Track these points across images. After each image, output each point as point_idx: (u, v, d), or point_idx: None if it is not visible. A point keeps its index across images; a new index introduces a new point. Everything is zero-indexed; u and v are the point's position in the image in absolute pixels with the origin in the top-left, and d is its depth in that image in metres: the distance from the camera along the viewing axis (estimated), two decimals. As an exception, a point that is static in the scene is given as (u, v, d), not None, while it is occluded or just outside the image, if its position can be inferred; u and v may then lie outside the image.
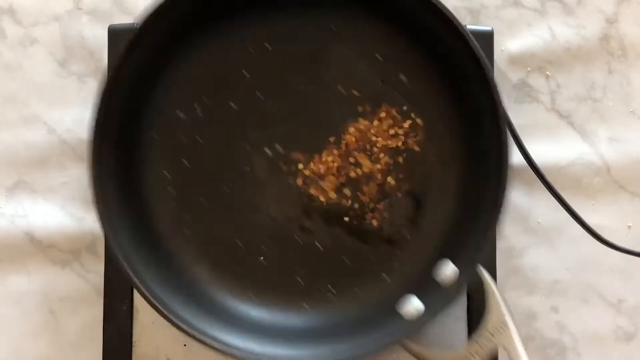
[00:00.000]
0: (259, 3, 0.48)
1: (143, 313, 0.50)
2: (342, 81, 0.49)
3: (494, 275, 0.50)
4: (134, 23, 0.51)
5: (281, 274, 0.49)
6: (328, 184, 0.49)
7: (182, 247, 0.49)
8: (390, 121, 0.49)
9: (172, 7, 0.44)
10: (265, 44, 0.49)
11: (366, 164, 0.49)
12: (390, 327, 0.45)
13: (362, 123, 0.49)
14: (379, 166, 0.49)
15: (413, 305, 0.46)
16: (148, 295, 0.44)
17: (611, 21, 0.55)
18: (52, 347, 0.54)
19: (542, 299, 0.54)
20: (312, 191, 0.49)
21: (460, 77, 0.46)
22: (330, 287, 0.48)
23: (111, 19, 0.55)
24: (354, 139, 0.49)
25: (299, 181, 0.49)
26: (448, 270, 0.46)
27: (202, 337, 0.43)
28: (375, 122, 0.49)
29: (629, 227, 0.54)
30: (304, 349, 0.46)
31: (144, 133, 0.48)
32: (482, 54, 0.43)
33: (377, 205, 0.49)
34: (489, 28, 0.52)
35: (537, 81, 0.55)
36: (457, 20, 0.43)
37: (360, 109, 0.49)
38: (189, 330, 0.43)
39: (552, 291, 0.54)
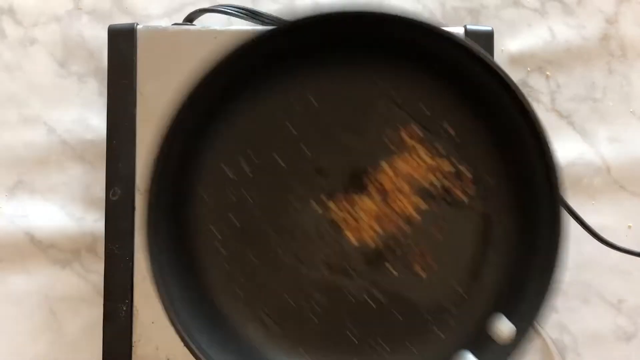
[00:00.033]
0: (303, 59, 0.47)
1: (143, 313, 0.50)
2: (388, 135, 0.48)
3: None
4: (133, 23, 0.51)
5: (332, 329, 0.48)
6: (377, 235, 0.48)
7: (233, 306, 0.48)
8: (439, 173, 0.48)
9: (223, 66, 0.43)
10: (311, 98, 0.48)
11: (417, 217, 0.48)
12: None
13: (412, 173, 0.48)
14: (429, 219, 0.48)
15: None
16: (199, 354, 0.43)
17: (611, 21, 0.55)
18: (52, 347, 0.54)
19: (542, 299, 0.54)
20: (348, 233, 0.48)
21: (508, 128, 0.45)
22: (382, 343, 0.47)
23: (111, 19, 0.55)
24: (403, 191, 0.48)
25: (348, 234, 0.48)
26: (504, 327, 0.44)
27: None
28: (425, 174, 0.48)
29: (629, 227, 0.54)
30: None
31: (192, 193, 0.48)
32: (533, 110, 0.42)
33: (429, 260, 0.48)
34: (489, 28, 0.52)
35: (537, 81, 0.55)
36: (507, 75, 0.43)
37: (407, 159, 0.48)
38: None
39: (556, 294, 0.54)
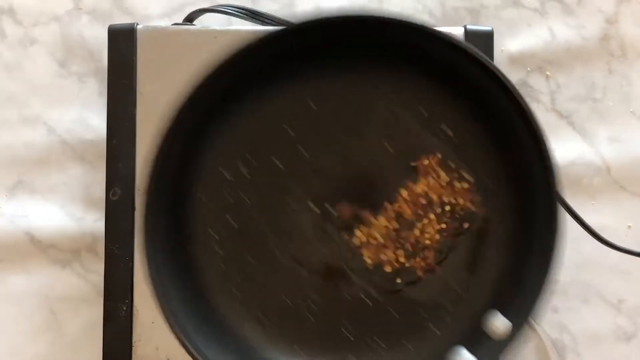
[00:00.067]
0: (303, 62, 0.47)
1: (143, 313, 0.50)
2: (387, 137, 0.48)
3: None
4: (133, 23, 0.51)
5: (329, 328, 0.48)
6: (381, 246, 0.48)
7: (229, 306, 0.48)
8: (438, 177, 0.48)
9: (223, 70, 0.43)
10: (309, 101, 0.48)
11: (415, 222, 0.48)
12: None
13: (409, 181, 0.48)
14: (426, 221, 0.48)
15: (463, 358, 0.45)
16: (196, 354, 0.43)
17: (611, 21, 0.55)
18: (52, 347, 0.54)
19: (542, 299, 0.54)
20: (366, 256, 0.48)
21: (507, 130, 0.45)
22: (378, 341, 0.48)
23: (111, 19, 0.55)
24: (406, 201, 0.48)
25: (345, 236, 0.48)
26: (500, 323, 0.45)
27: None
28: (421, 179, 0.48)
29: (629, 227, 0.54)
30: None
31: (190, 194, 0.48)
32: (530, 110, 0.42)
33: (427, 261, 0.48)
34: (489, 28, 0.52)
35: (537, 81, 0.55)
36: (504, 76, 0.43)
37: (405, 165, 0.48)
38: None
39: (552, 291, 0.54)
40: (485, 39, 0.51)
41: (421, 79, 0.48)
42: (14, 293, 0.54)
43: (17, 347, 0.54)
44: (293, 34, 0.44)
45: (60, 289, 0.54)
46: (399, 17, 0.43)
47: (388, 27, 0.44)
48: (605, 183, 0.54)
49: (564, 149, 0.54)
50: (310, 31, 0.44)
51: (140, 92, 0.50)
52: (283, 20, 0.53)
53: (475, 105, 0.47)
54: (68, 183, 0.54)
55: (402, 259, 0.48)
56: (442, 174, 0.48)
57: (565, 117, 0.55)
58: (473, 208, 0.48)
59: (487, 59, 0.43)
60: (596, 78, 0.55)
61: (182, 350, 0.48)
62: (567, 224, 0.51)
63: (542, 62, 0.55)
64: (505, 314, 0.45)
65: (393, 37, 0.45)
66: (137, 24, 0.51)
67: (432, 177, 0.48)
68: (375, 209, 0.48)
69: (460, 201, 0.48)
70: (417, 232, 0.48)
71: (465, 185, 0.48)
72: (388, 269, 0.48)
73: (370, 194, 0.48)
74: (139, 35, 0.51)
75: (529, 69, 0.55)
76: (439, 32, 0.43)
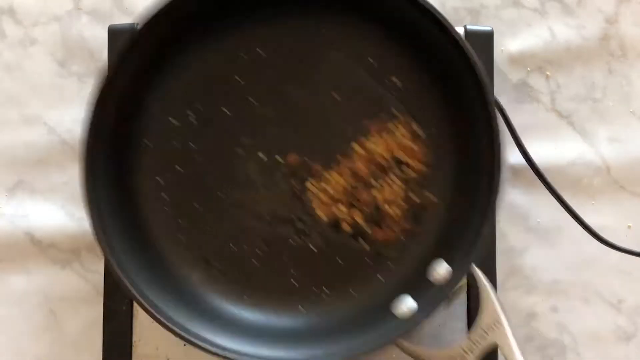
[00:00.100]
0: (250, 8, 0.48)
1: (143, 313, 0.50)
2: (335, 86, 0.49)
3: (493, 275, 0.50)
4: (134, 23, 0.51)
5: (275, 276, 0.49)
6: (333, 200, 0.49)
7: (176, 252, 0.49)
8: (385, 125, 0.49)
9: (166, 13, 0.44)
10: (258, 49, 0.49)
11: (362, 169, 0.48)
12: (384, 327, 0.45)
13: (361, 137, 0.49)
14: (373, 169, 0.49)
15: (407, 305, 0.46)
16: (142, 300, 0.43)
17: (611, 21, 0.55)
18: (52, 347, 0.54)
19: (542, 298, 0.54)
20: (318, 211, 0.49)
21: (452, 76, 0.46)
22: (324, 289, 0.48)
23: (111, 19, 0.55)
24: (356, 153, 0.48)
25: (292, 184, 0.49)
26: (441, 269, 0.46)
27: (197, 341, 0.43)
28: (375, 135, 0.49)
29: (629, 227, 0.54)
30: (298, 350, 0.46)
31: (136, 140, 0.48)
32: (471, 50, 0.43)
33: (370, 209, 0.49)
34: (489, 28, 0.52)
35: (537, 81, 0.55)
36: (445, 19, 0.43)
37: (353, 115, 0.49)
38: (183, 334, 0.43)
39: (552, 291, 0.54)
40: (485, 39, 0.51)
41: (370, 29, 0.48)
42: (14, 293, 0.54)
43: (17, 347, 0.54)
44: None
45: (60, 289, 0.54)
46: None
47: None
48: (605, 183, 0.54)
49: (564, 149, 0.54)
50: None
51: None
52: None
53: (423, 55, 0.47)
54: (68, 183, 0.54)
55: (359, 220, 0.48)
56: (396, 132, 0.48)
57: (565, 117, 0.55)
58: (423, 167, 0.48)
59: (432, 5, 0.43)
60: (596, 78, 0.55)
61: (183, 350, 0.49)
62: (567, 224, 0.52)
63: (542, 62, 0.55)
64: (449, 261, 0.46)
65: None
66: (137, 24, 0.51)
67: (386, 133, 0.48)
68: (328, 163, 0.49)
69: (413, 158, 0.48)
70: (375, 193, 0.48)
71: (417, 141, 0.48)
72: (345, 227, 0.48)
73: (320, 147, 0.49)
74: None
75: (529, 69, 0.55)
76: None
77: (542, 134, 0.54)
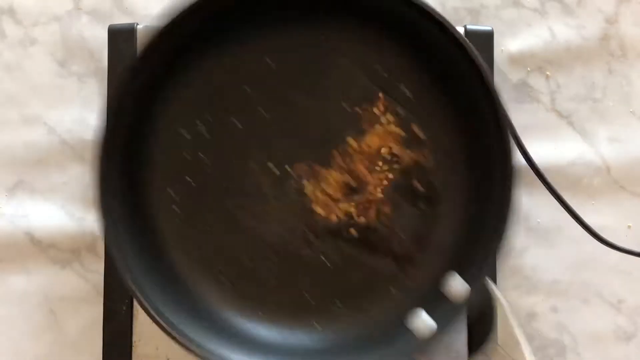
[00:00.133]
0: (258, 18, 0.47)
1: (143, 313, 0.49)
2: (344, 94, 0.48)
3: (494, 275, 0.50)
4: (133, 23, 0.51)
5: (289, 291, 0.48)
6: (333, 200, 0.48)
7: (188, 266, 0.48)
8: (394, 135, 0.48)
9: (175, 26, 0.44)
10: (266, 58, 0.48)
11: (372, 179, 0.48)
12: (400, 342, 0.45)
13: (366, 138, 0.48)
14: (385, 181, 0.48)
15: (422, 319, 0.45)
16: (155, 315, 0.43)
17: (611, 21, 0.55)
18: (52, 347, 0.54)
19: (542, 298, 0.54)
20: (318, 208, 0.48)
21: (461, 84, 0.46)
22: (339, 304, 0.48)
23: (111, 19, 0.55)
24: (358, 154, 0.48)
25: (304, 197, 0.48)
26: (457, 284, 0.45)
27: (211, 357, 0.43)
28: (379, 137, 0.48)
29: (629, 227, 0.54)
30: None
31: (147, 152, 0.48)
32: (479, 58, 0.43)
33: (384, 220, 0.48)
34: (489, 28, 0.52)
35: (537, 81, 0.55)
36: (451, 25, 0.43)
37: (363, 123, 0.48)
38: (197, 350, 0.43)
39: (552, 291, 0.54)
40: (485, 39, 0.51)
41: (380, 38, 0.48)
42: (14, 293, 0.54)
43: (17, 347, 0.54)
44: None
45: (60, 289, 0.54)
46: None
47: None
48: (605, 183, 0.54)
49: (564, 149, 0.54)
50: None
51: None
52: None
53: (434, 67, 0.47)
54: (68, 183, 0.54)
55: (352, 210, 0.48)
56: (395, 128, 0.48)
57: (565, 117, 0.55)
58: (425, 163, 0.48)
59: (445, 18, 0.43)
60: (596, 78, 0.55)
61: (183, 351, 0.48)
62: (567, 224, 0.52)
63: (542, 62, 0.55)
64: (463, 275, 0.45)
65: None
66: (137, 24, 0.51)
67: (384, 129, 0.48)
68: (328, 163, 0.48)
69: (412, 156, 0.48)
70: (369, 185, 0.48)
71: (418, 142, 0.48)
72: (335, 217, 0.48)
73: (326, 152, 0.48)
74: (139, 35, 0.51)
75: (529, 69, 0.55)
76: None
77: (542, 134, 0.54)
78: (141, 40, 0.43)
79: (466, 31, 0.51)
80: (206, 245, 0.48)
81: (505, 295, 0.53)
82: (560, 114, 0.55)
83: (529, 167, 0.51)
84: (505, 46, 0.55)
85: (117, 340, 0.50)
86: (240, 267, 0.48)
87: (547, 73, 0.55)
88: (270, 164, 0.48)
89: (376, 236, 0.48)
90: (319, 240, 0.48)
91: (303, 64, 0.48)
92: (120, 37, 0.51)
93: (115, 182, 0.45)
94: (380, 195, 0.48)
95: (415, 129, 0.48)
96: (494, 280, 0.50)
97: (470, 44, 0.43)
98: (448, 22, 0.43)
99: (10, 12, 0.56)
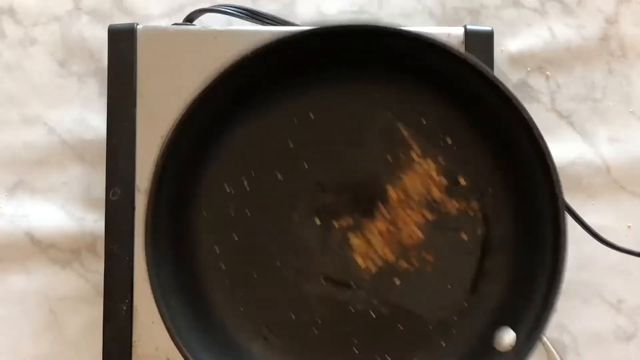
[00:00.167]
0: (301, 72, 0.47)
1: (143, 313, 0.50)
2: (387, 147, 0.48)
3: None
4: (133, 23, 0.51)
5: (336, 344, 0.47)
6: (376, 251, 0.48)
7: (235, 323, 0.48)
8: (439, 187, 0.48)
9: (219, 85, 0.43)
10: (309, 113, 0.48)
11: (416, 231, 0.48)
12: None
13: (408, 186, 0.48)
14: (427, 228, 0.48)
15: None
16: None
17: (611, 21, 0.55)
18: (53, 347, 0.54)
19: (542, 299, 0.54)
20: (359, 259, 0.48)
21: (508, 140, 0.45)
22: (385, 354, 0.47)
23: (111, 19, 0.55)
24: (403, 206, 0.48)
25: (349, 249, 0.48)
26: (508, 338, 0.44)
27: None
28: (425, 188, 0.48)
29: (629, 227, 0.54)
30: None
31: (193, 210, 0.48)
32: (532, 120, 0.42)
33: (429, 269, 0.48)
34: (489, 28, 0.52)
35: (537, 81, 0.55)
36: (504, 86, 0.43)
37: (404, 176, 0.48)
38: None
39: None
40: (485, 39, 0.51)
41: (420, 88, 0.47)
42: (14, 293, 0.54)
43: (17, 347, 0.54)
44: (290, 45, 0.44)
45: (60, 289, 0.54)
46: (398, 29, 0.43)
47: (387, 38, 0.44)
48: (605, 183, 0.54)
49: (564, 149, 0.54)
50: (308, 42, 0.44)
51: (140, 92, 0.50)
52: (283, 21, 0.53)
53: (476, 115, 0.47)
54: (68, 183, 0.54)
55: (390, 258, 0.48)
56: (437, 177, 0.47)
57: (565, 117, 0.55)
58: (470, 212, 0.47)
59: (487, 68, 0.43)
60: (596, 78, 0.55)
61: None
62: (567, 224, 0.52)
63: (542, 62, 0.55)
64: (513, 327, 0.45)
65: (392, 47, 0.45)
66: (137, 24, 0.51)
67: (426, 180, 0.48)
68: (372, 215, 0.48)
69: (456, 204, 0.47)
70: (408, 231, 0.48)
71: (461, 190, 0.47)
72: (374, 267, 0.48)
73: (370, 205, 0.48)
74: (139, 35, 0.50)
75: (529, 69, 0.55)
76: (438, 42, 0.43)
77: (542, 134, 0.54)
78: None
79: (466, 31, 0.50)
80: (251, 299, 0.48)
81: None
82: (560, 114, 0.55)
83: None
84: (505, 46, 0.55)
85: (117, 340, 0.50)
86: (287, 322, 0.48)
87: (547, 73, 0.55)
88: (314, 216, 0.48)
89: (420, 284, 0.48)
90: (366, 294, 0.48)
91: (346, 118, 0.48)
92: (120, 37, 0.51)
93: (163, 242, 0.45)
94: (422, 241, 0.48)
95: (462, 180, 0.48)
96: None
97: (517, 98, 0.43)
98: (502, 83, 0.43)
99: (10, 12, 0.56)
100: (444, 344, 0.47)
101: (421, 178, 0.48)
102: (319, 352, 0.48)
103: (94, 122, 0.55)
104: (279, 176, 0.48)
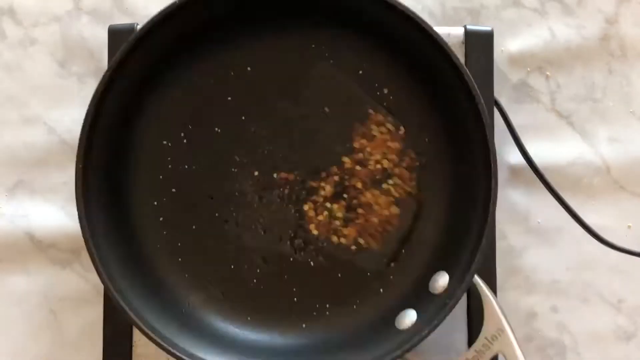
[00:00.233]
0: (236, 25, 0.48)
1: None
2: (326, 99, 0.49)
3: (493, 275, 0.50)
4: (134, 23, 0.51)
5: (277, 295, 0.48)
6: (319, 205, 0.49)
7: (175, 275, 0.48)
8: (377, 138, 0.48)
9: (151, 35, 0.44)
10: (246, 66, 0.49)
11: (357, 183, 0.48)
12: (390, 342, 0.45)
13: (353, 147, 0.49)
14: (368, 182, 0.48)
15: (411, 319, 0.45)
16: (143, 327, 0.43)
17: (611, 21, 0.55)
18: (52, 347, 0.54)
19: (542, 298, 0.54)
20: (304, 217, 0.49)
21: (442, 83, 0.46)
22: (326, 305, 0.48)
23: (111, 19, 0.55)
24: (345, 160, 0.48)
25: (287, 200, 0.49)
26: (443, 281, 0.45)
27: None
28: (361, 141, 0.48)
29: (629, 227, 0.54)
30: None
31: (130, 164, 0.48)
32: (454, 53, 0.43)
33: (368, 221, 0.49)
34: (489, 28, 0.52)
35: (537, 81, 0.55)
36: (426, 23, 0.43)
37: (345, 128, 0.49)
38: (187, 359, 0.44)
39: (552, 291, 0.54)
40: (485, 39, 0.51)
41: (358, 40, 0.48)
42: (14, 293, 0.54)
43: (17, 347, 0.54)
44: None
45: (60, 289, 0.54)
46: None
47: None
48: (605, 183, 0.54)
49: (564, 149, 0.54)
50: None
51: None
52: None
53: (412, 64, 0.47)
54: (68, 183, 0.54)
55: (353, 232, 0.48)
56: (378, 134, 0.48)
57: (565, 117, 0.55)
58: (407, 159, 0.48)
59: (418, 15, 0.44)
60: (596, 78, 0.55)
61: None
62: (567, 224, 0.52)
63: (542, 62, 0.55)
64: (450, 272, 0.45)
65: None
66: (137, 24, 0.51)
67: (369, 137, 0.48)
68: (321, 177, 0.49)
69: (394, 151, 0.48)
70: (369, 202, 0.48)
71: (401, 139, 0.48)
72: (342, 240, 0.48)
73: (312, 161, 0.49)
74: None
75: (529, 69, 0.55)
76: None
77: (542, 134, 0.54)
78: (118, 47, 0.44)
79: (466, 31, 0.51)
80: (194, 254, 0.49)
81: (506, 295, 0.53)
82: (560, 114, 0.55)
83: (529, 167, 0.52)
84: (505, 46, 0.55)
85: (117, 340, 0.50)
86: (228, 274, 0.48)
87: (547, 73, 0.55)
88: (255, 171, 0.49)
89: (361, 240, 0.49)
90: (305, 244, 0.49)
91: (285, 71, 0.49)
92: (120, 37, 0.51)
93: (99, 194, 0.45)
94: (365, 198, 0.48)
95: (400, 129, 0.48)
96: (494, 280, 0.50)
97: (445, 41, 0.43)
98: (423, 20, 0.44)
99: (10, 12, 0.56)
100: (381, 290, 0.48)
101: (361, 129, 0.48)
102: (260, 302, 0.48)
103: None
104: (218, 130, 0.49)
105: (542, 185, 0.51)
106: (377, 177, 0.49)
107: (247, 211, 0.49)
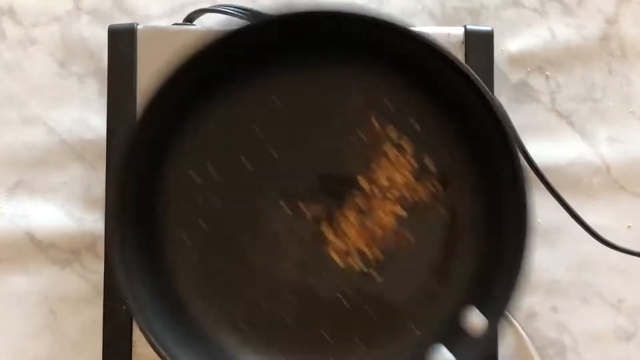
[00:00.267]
0: (265, 59, 0.47)
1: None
2: (354, 132, 0.48)
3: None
4: (134, 23, 0.51)
5: (306, 330, 0.48)
6: (348, 238, 0.48)
7: (206, 312, 0.48)
8: (407, 172, 0.48)
9: (183, 72, 0.43)
10: (274, 98, 0.48)
11: (387, 218, 0.47)
12: None
13: (377, 174, 0.48)
14: (398, 216, 0.48)
15: (443, 356, 0.45)
16: None
17: (611, 21, 0.55)
18: (52, 347, 0.54)
19: (542, 298, 0.54)
20: (332, 251, 0.48)
21: (476, 125, 0.45)
22: (357, 341, 0.47)
23: (111, 19, 0.55)
24: (372, 192, 0.48)
25: (320, 238, 0.48)
26: (475, 318, 0.45)
27: None
28: (391, 174, 0.48)
29: (629, 227, 0.54)
30: None
31: (159, 200, 0.48)
32: (496, 103, 0.42)
33: (399, 256, 0.48)
34: (489, 28, 0.52)
35: (537, 81, 0.55)
36: (465, 66, 0.43)
37: (373, 162, 0.48)
38: None
39: (552, 291, 0.54)
40: (485, 39, 0.51)
41: (387, 72, 0.47)
42: (14, 293, 0.54)
43: (17, 347, 0.54)
44: (256, 31, 0.44)
45: (60, 289, 0.54)
46: (362, 13, 0.43)
47: (354, 23, 0.44)
48: (605, 183, 0.54)
49: (564, 149, 0.54)
50: (273, 28, 0.44)
51: (140, 92, 0.50)
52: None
53: (444, 100, 0.47)
54: (68, 183, 0.54)
55: (362, 247, 0.48)
56: (405, 162, 0.48)
57: (565, 117, 0.55)
58: (438, 197, 0.47)
59: (452, 54, 0.43)
60: (596, 78, 0.55)
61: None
62: (567, 224, 0.52)
63: (542, 62, 0.55)
64: (483, 310, 0.45)
65: (358, 32, 0.45)
66: (137, 24, 0.51)
67: (394, 166, 0.48)
68: (343, 204, 0.48)
69: (421, 191, 0.48)
70: (379, 218, 0.48)
71: (429, 176, 0.48)
72: (346, 256, 0.48)
73: (339, 190, 0.48)
74: (139, 35, 0.51)
75: (529, 69, 0.55)
76: (402, 27, 0.43)
77: (542, 134, 0.54)
78: (145, 93, 0.43)
79: (466, 31, 0.51)
80: (223, 290, 0.48)
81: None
82: (560, 114, 0.55)
83: (529, 167, 0.52)
84: (505, 46, 0.55)
85: (117, 340, 0.50)
86: (258, 310, 0.48)
87: (547, 73, 0.55)
88: (282, 203, 0.48)
89: (393, 270, 0.48)
90: (335, 279, 0.48)
91: (311, 103, 0.48)
92: (120, 37, 0.51)
93: (129, 231, 0.45)
94: (394, 228, 0.48)
95: (427, 161, 0.48)
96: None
97: (471, 70, 0.43)
98: (449, 52, 0.43)
99: (10, 12, 0.56)
100: (416, 330, 0.47)
101: (391, 164, 0.48)
102: (291, 339, 0.48)
103: (94, 122, 0.55)
104: (246, 163, 0.48)
105: (542, 185, 0.51)
106: (405, 207, 0.48)
107: (276, 245, 0.48)
